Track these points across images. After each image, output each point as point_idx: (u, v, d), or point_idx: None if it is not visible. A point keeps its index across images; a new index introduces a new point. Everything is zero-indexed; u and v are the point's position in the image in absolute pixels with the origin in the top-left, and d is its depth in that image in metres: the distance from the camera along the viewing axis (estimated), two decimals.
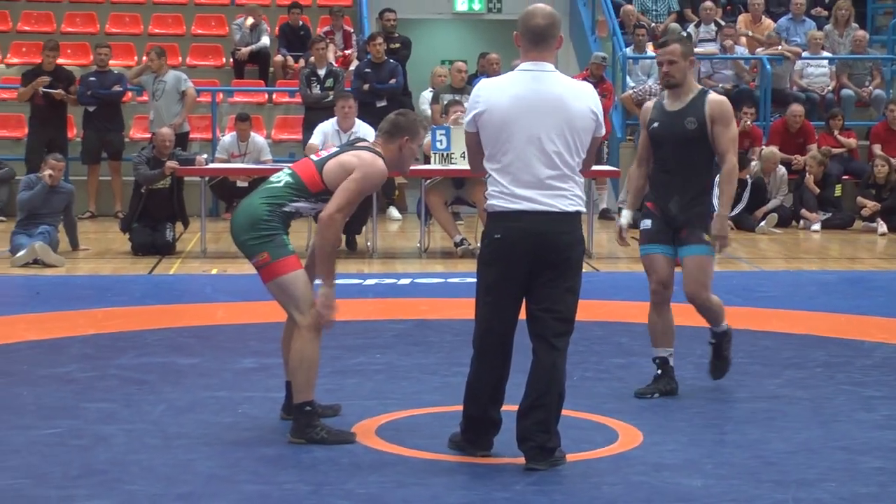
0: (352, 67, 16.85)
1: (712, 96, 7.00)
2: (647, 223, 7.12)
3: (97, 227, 15.13)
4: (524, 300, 5.72)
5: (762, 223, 15.22)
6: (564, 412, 5.73)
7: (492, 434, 5.87)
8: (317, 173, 6.13)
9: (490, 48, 17.99)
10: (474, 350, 5.80)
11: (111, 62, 16.47)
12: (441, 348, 8.16)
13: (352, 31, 18.49)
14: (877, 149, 16.44)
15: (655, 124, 7.06)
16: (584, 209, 5.79)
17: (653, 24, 18.59)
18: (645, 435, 6.23)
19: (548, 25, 5.70)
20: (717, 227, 6.99)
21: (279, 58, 18.15)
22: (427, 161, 12.84)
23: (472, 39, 22.15)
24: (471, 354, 5.81)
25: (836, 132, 16.72)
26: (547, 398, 5.61)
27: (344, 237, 12.88)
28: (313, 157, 6.30)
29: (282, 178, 6.20)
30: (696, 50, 17.46)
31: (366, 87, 15.83)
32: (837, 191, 15.97)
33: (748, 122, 16.10)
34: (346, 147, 6.27)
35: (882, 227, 15.13)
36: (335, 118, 13.09)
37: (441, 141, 12.61)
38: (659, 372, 7.13)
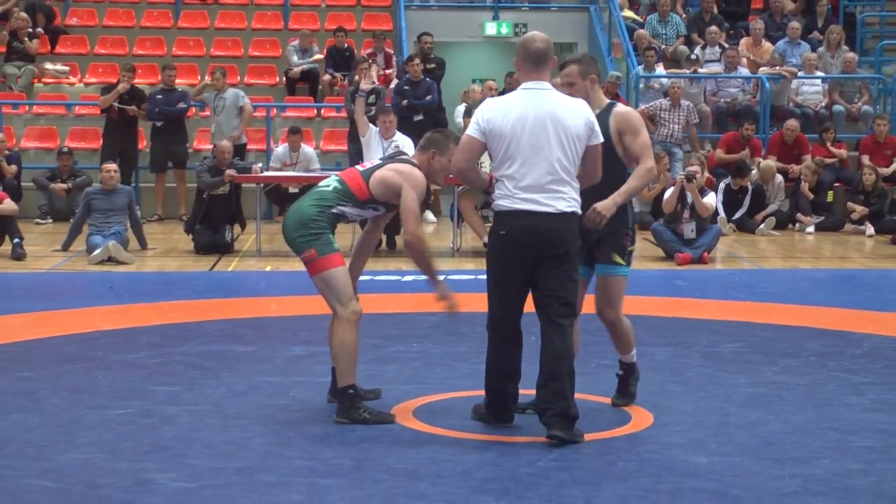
0: (392, 85, 16.84)
1: (617, 109, 6.20)
2: None
3: (164, 228, 15.16)
4: (532, 291, 5.80)
5: (762, 226, 15.17)
6: (583, 396, 5.70)
7: (511, 406, 5.94)
8: (363, 182, 6.13)
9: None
10: (489, 333, 5.90)
11: (177, 81, 16.51)
12: (472, 338, 8.12)
13: (392, 52, 18.47)
14: (865, 159, 16.39)
15: None
16: (579, 210, 5.83)
17: (662, 47, 18.55)
18: (655, 417, 6.21)
19: (547, 49, 5.86)
20: (602, 203, 5.95)
21: (327, 77, 18.17)
22: None
23: (501, 60, 22.03)
24: None
25: (828, 144, 16.63)
26: (558, 371, 5.66)
27: (385, 237, 12.88)
28: (358, 167, 6.30)
29: (330, 183, 6.20)
30: (701, 71, 17.44)
31: (404, 102, 15.81)
32: (830, 197, 15.91)
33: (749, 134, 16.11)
34: (387, 160, 6.28)
35: (870, 229, 15.10)
36: (378, 128, 13.09)
37: None
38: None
